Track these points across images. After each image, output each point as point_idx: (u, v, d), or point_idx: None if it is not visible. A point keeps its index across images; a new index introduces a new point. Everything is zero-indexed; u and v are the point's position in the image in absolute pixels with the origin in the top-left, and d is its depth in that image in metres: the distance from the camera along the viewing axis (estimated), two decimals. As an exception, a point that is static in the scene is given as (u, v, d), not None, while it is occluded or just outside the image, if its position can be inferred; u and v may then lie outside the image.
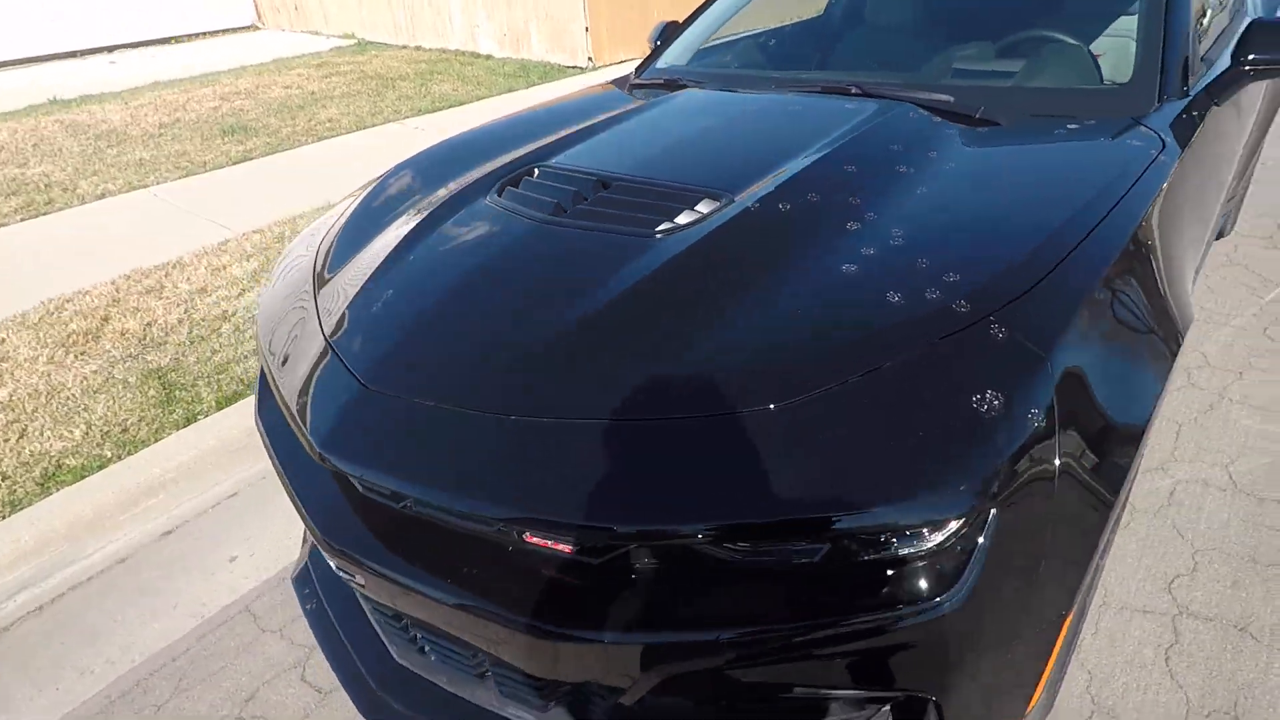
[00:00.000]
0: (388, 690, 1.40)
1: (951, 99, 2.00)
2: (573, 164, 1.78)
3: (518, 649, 1.12)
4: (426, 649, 1.38)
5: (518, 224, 1.56)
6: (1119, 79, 2.04)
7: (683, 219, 1.45)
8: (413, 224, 1.65)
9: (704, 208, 1.48)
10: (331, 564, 1.28)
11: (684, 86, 2.37)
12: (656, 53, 2.80)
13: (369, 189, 2.03)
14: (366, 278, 1.51)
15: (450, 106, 6.75)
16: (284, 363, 1.42)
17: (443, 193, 1.80)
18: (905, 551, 0.98)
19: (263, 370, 1.59)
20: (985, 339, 1.10)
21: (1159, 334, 1.37)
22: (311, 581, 1.65)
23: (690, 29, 2.82)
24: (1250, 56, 2.01)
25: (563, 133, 2.02)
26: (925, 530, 0.97)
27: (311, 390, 1.29)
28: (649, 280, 1.30)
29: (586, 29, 7.98)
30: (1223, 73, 2.10)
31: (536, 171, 1.76)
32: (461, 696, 1.35)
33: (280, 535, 2.24)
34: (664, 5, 8.70)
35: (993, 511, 0.98)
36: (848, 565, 1.00)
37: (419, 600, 1.14)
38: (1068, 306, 1.17)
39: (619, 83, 2.70)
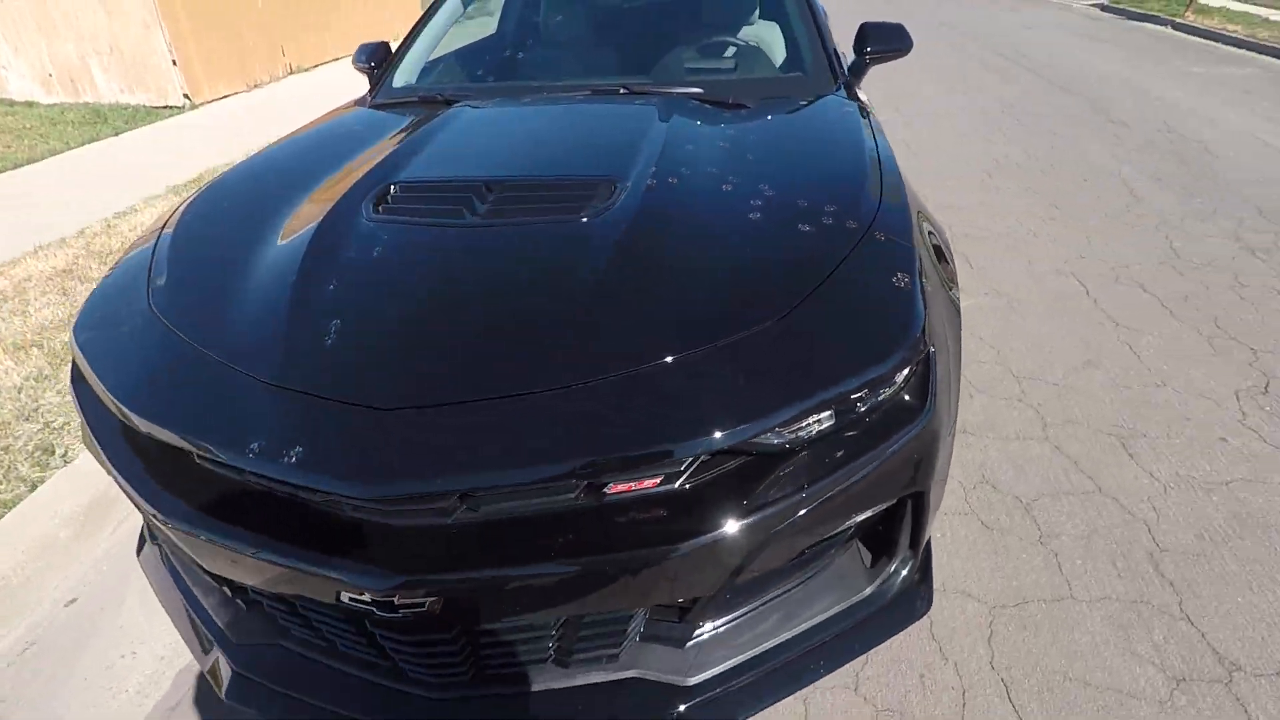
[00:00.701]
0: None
1: (701, 90, 2.37)
2: (428, 176, 1.72)
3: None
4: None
5: (427, 232, 1.49)
6: (798, 70, 2.64)
7: (598, 202, 1.55)
8: (296, 263, 1.45)
9: (606, 191, 1.59)
10: None
11: (445, 102, 2.37)
12: (381, 75, 2.72)
13: (160, 235, 1.69)
14: (287, 312, 1.33)
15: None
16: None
17: (295, 224, 1.60)
18: (896, 389, 1.28)
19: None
20: (876, 242, 1.45)
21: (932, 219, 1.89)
22: None
23: (412, 51, 2.79)
24: (868, 49, 2.77)
25: (367, 154, 1.91)
26: (903, 371, 1.27)
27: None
28: (615, 253, 1.40)
29: (174, 62, 6.94)
30: (854, 61, 2.83)
31: (393, 189, 1.66)
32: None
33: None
34: (256, 35, 8.00)
35: (932, 347, 1.32)
36: (868, 413, 1.26)
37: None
38: (900, 212, 1.58)
39: (359, 103, 2.57)
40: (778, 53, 2.90)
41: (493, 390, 1.15)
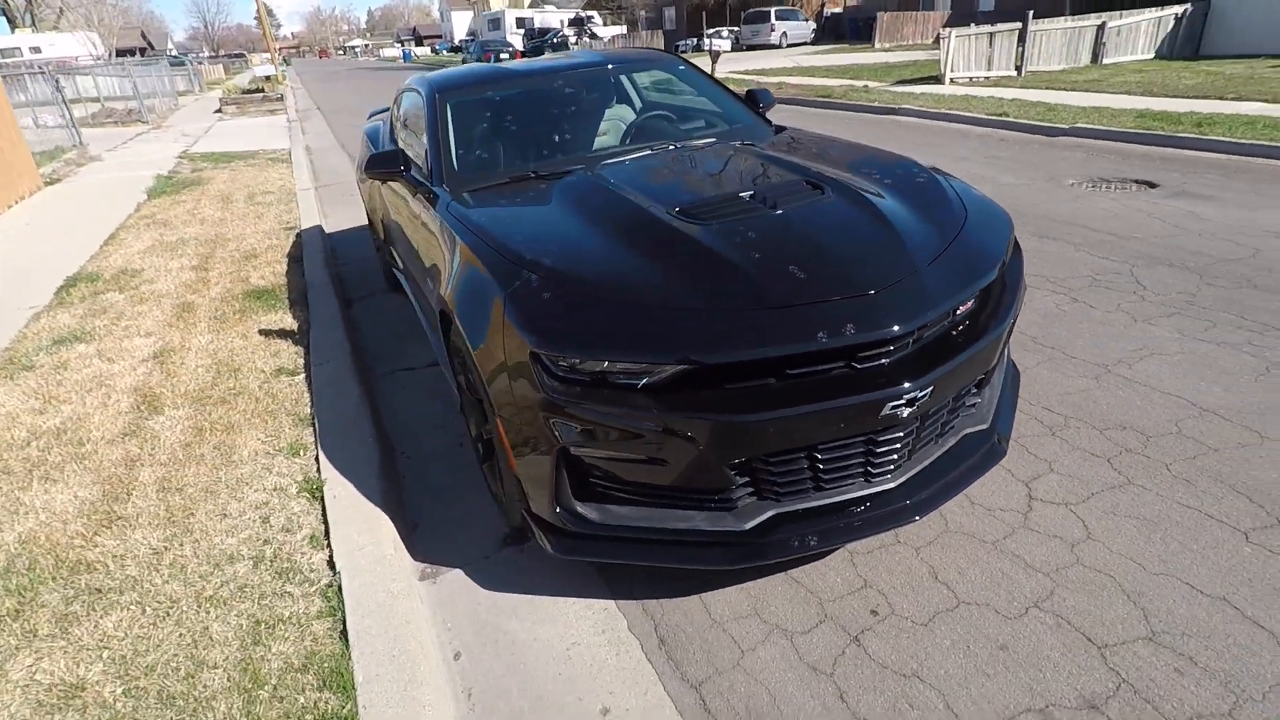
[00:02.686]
0: None
1: (714, 140, 3.10)
2: (686, 199, 2.58)
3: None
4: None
5: (754, 219, 2.37)
6: (744, 121, 3.61)
7: (814, 196, 2.49)
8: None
9: (815, 189, 2.54)
10: None
11: (539, 178, 3.01)
12: (423, 174, 3.27)
13: None
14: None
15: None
16: None
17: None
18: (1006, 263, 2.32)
19: None
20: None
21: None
22: None
23: (455, 154, 3.28)
24: (759, 104, 3.88)
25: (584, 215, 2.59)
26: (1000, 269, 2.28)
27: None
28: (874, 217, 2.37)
29: None
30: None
31: (677, 209, 2.47)
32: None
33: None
34: None
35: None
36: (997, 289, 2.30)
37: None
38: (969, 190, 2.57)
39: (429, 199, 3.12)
40: (728, 113, 3.75)
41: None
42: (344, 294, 5.16)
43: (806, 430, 1.95)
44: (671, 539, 2.13)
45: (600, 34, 39.12)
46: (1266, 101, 9.91)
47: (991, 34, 14.88)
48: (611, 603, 2.28)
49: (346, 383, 3.64)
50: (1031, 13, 15.12)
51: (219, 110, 20.14)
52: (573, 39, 38.45)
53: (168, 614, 2.19)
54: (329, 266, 5.62)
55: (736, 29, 34.68)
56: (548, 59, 4.19)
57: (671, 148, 3.24)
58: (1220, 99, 10.39)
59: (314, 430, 3.19)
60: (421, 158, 3.36)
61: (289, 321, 4.48)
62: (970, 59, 14.82)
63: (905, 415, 1.98)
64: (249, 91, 22.03)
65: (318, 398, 3.47)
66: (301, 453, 3.03)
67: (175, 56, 41.96)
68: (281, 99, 21.10)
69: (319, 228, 6.91)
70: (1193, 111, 9.27)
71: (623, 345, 1.95)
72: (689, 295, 2.03)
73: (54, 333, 4.50)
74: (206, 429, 3.23)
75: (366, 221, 5.68)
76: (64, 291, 5.33)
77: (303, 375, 3.74)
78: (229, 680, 1.95)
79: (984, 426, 2.42)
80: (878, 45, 28.53)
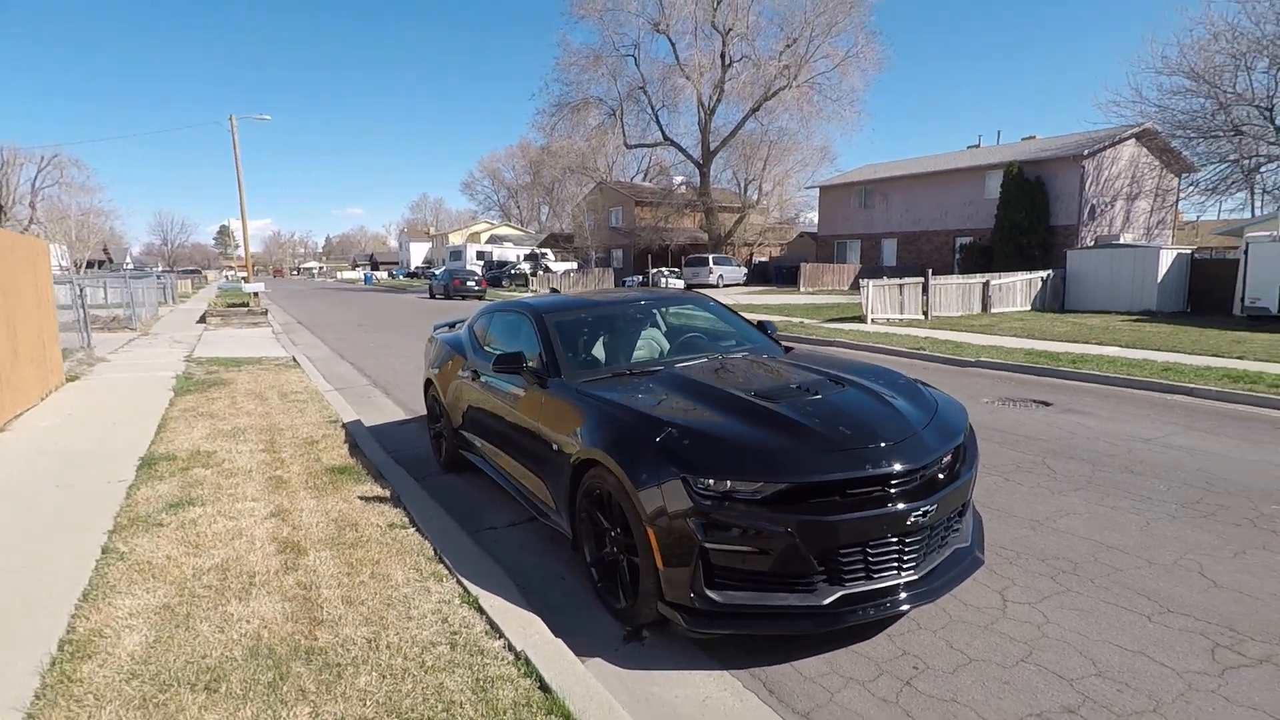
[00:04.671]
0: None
1: (746, 353, 4.44)
2: (756, 395, 3.71)
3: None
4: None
5: (817, 402, 3.60)
6: (762, 341, 4.90)
7: (826, 391, 3.66)
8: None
9: (837, 385, 3.71)
10: None
11: (631, 374, 4.26)
12: (542, 375, 4.51)
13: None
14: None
15: None
16: None
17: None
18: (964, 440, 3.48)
19: None
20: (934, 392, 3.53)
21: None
22: None
23: (565, 356, 4.61)
24: (767, 328, 5.15)
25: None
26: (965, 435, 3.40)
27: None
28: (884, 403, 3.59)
29: None
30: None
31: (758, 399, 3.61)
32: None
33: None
34: None
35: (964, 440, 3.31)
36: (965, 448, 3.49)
37: None
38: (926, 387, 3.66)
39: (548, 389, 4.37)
40: (749, 335, 5.12)
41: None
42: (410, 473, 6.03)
43: (862, 530, 3.02)
44: (773, 613, 3.06)
45: (554, 269, 43.30)
46: (1121, 346, 12.44)
47: (902, 284, 17.95)
48: (725, 672, 3.12)
49: (454, 532, 4.48)
50: (931, 270, 18.44)
51: (202, 320, 21.33)
52: (529, 271, 42.43)
53: (404, 675, 2.91)
54: (386, 452, 6.52)
55: (677, 270, 39.20)
56: (612, 294, 5.65)
57: (720, 357, 4.55)
58: (1086, 343, 12.92)
59: (446, 565, 3.98)
60: (535, 358, 4.56)
61: (379, 490, 5.30)
62: (886, 303, 17.70)
63: (922, 522, 3.09)
64: (233, 305, 23.45)
65: (437, 543, 4.28)
66: (445, 579, 3.81)
67: (136, 271, 43.68)
68: (266, 313, 22.51)
69: (358, 421, 7.84)
70: (1068, 352, 11.59)
71: (746, 472, 3.04)
72: (780, 440, 3.18)
73: (162, 499, 5.16)
74: (355, 564, 3.98)
75: (406, 415, 6.68)
76: (146, 468, 6.00)
77: (413, 529, 4.54)
78: (475, 712, 2.68)
79: (966, 544, 3.52)
80: (803, 289, 32.81)
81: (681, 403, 3.67)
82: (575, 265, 45.70)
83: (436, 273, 40.42)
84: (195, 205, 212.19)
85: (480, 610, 3.48)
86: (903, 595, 3.15)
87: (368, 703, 2.74)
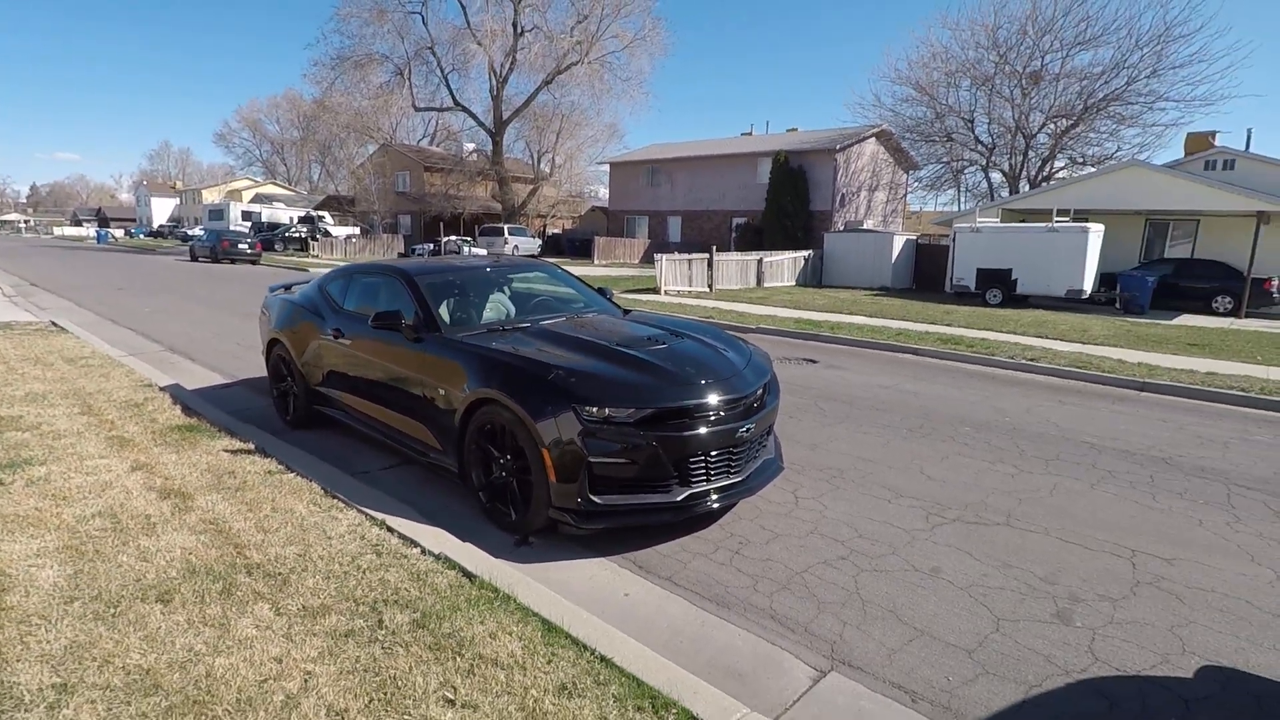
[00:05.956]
0: None
1: (596, 313, 5.31)
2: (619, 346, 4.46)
3: None
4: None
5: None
6: (604, 304, 5.81)
7: (669, 342, 4.51)
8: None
9: (662, 338, 4.49)
10: None
11: (504, 331, 4.90)
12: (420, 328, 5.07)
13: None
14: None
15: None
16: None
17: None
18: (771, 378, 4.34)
19: None
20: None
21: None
22: None
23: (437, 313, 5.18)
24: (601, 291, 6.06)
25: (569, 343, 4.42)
26: (771, 376, 4.26)
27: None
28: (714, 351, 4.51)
29: None
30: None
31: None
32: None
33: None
34: None
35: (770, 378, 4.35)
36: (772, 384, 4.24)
37: None
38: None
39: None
40: (593, 299, 6.02)
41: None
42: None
43: (705, 442, 4.05)
44: (640, 509, 3.99)
45: (334, 233, 40.63)
46: (866, 315, 15.12)
47: (690, 260, 19.83)
48: (602, 559, 4.02)
49: (336, 475, 4.88)
50: (715, 247, 20.53)
51: (-105, 277, 17.59)
52: (306, 235, 39.44)
53: (345, 576, 3.44)
54: (226, 412, 6.51)
55: (469, 239, 38.72)
56: (464, 260, 6.18)
57: (574, 317, 5.36)
58: (840, 313, 15.50)
59: (340, 500, 4.42)
60: (412, 317, 5.06)
61: (239, 444, 5.44)
62: (677, 277, 19.48)
63: (746, 437, 4.19)
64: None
65: (324, 483, 4.66)
66: (345, 510, 4.27)
67: None
68: (-17, 270, 19.07)
69: (177, 385, 7.55)
70: (827, 320, 13.93)
71: (621, 401, 3.93)
72: (643, 377, 4.11)
73: (-15, 461, 4.90)
74: (251, 503, 4.28)
75: (225, 379, 6.72)
76: (-60, 434, 5.51)
77: (293, 474, 4.85)
78: (421, 592, 3.31)
79: (771, 456, 4.73)
80: (597, 261, 34.23)
81: (559, 351, 4.46)
82: (358, 230, 43.17)
83: (197, 233, 36.26)
84: None
85: (390, 530, 4.03)
86: (733, 492, 4.25)
87: (321, 596, 3.26)
